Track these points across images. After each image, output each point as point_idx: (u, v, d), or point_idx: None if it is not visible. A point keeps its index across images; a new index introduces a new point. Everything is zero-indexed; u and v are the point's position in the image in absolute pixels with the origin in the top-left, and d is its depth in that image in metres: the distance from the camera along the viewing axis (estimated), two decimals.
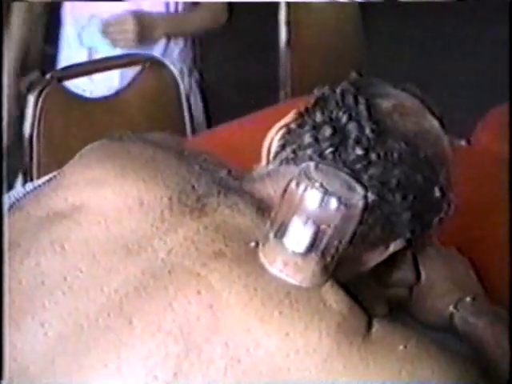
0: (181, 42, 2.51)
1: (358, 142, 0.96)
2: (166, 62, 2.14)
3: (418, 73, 3.22)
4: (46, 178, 1.38)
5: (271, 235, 0.91)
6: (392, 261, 1.05)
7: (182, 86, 2.16)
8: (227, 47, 3.97)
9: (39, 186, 1.26)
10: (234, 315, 0.88)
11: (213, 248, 0.93)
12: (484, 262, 1.27)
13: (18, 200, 1.21)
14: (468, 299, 1.18)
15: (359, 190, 0.91)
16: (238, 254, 0.93)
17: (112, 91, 2.18)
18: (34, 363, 0.91)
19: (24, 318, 0.93)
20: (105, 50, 2.35)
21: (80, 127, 1.96)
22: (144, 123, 2.05)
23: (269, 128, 1.06)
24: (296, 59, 2.63)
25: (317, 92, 1.03)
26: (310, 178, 0.90)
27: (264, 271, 0.91)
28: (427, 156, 0.98)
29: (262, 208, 0.98)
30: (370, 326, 0.90)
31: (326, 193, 0.88)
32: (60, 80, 1.96)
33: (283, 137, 1.03)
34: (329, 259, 0.90)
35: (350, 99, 0.99)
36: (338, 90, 1.01)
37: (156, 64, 2.12)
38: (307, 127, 1.00)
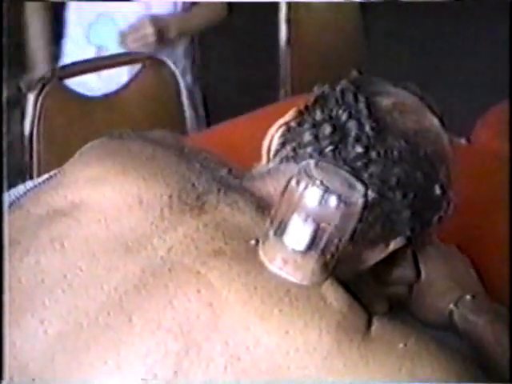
0: (186, 40, 2.52)
1: (357, 139, 0.96)
2: (166, 60, 2.14)
3: (418, 71, 3.22)
4: (46, 176, 1.38)
5: (271, 233, 0.91)
6: (392, 259, 1.05)
7: (181, 84, 2.17)
8: (227, 46, 3.97)
9: (39, 184, 1.26)
10: (233, 313, 0.88)
11: (212, 246, 0.93)
12: (484, 260, 1.27)
13: (17, 198, 1.21)
14: (468, 297, 1.18)
15: (359, 187, 0.91)
16: (237, 252, 0.93)
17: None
18: (34, 361, 0.91)
19: (24, 316, 0.93)
20: (114, 48, 2.35)
21: (80, 125, 1.96)
22: (144, 121, 2.05)
23: (269, 126, 1.06)
24: (296, 58, 2.63)
25: (317, 90, 1.03)
26: (310, 176, 0.90)
27: (264, 269, 0.91)
28: (427, 154, 0.98)
29: (262, 206, 0.98)
30: (369, 323, 0.90)
31: (326, 191, 0.88)
32: (60, 78, 1.96)
33: (283, 135, 1.03)
34: (328, 257, 0.90)
35: (349, 97, 0.99)
36: (337, 88, 1.01)
37: (156, 62, 2.12)
38: (307, 125, 1.00)
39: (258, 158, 1.06)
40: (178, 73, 2.16)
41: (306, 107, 1.02)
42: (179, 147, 1.08)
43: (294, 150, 1.00)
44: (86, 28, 2.41)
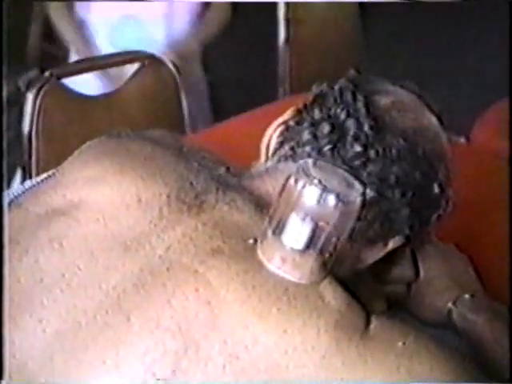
0: None
1: (356, 138, 0.96)
2: (165, 59, 2.14)
3: (417, 70, 3.22)
4: (45, 175, 1.38)
5: (269, 232, 0.91)
6: (391, 257, 1.05)
7: (180, 84, 2.17)
8: (226, 45, 3.97)
9: (38, 183, 1.26)
10: (232, 312, 0.88)
11: (211, 245, 0.93)
12: (482, 259, 1.27)
13: (16, 197, 1.21)
14: (467, 296, 1.18)
15: (358, 186, 0.91)
16: (236, 250, 0.93)
17: None
18: (33, 360, 0.91)
19: (22, 315, 0.93)
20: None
21: (79, 125, 1.96)
22: (143, 121, 2.05)
23: (267, 125, 1.06)
24: (295, 57, 2.63)
25: (315, 89, 1.03)
26: (308, 175, 0.90)
27: (262, 268, 0.91)
28: (426, 152, 0.98)
29: (261, 205, 0.98)
30: (368, 322, 0.90)
31: (325, 190, 0.88)
32: (59, 77, 1.96)
33: (282, 134, 1.03)
34: (327, 256, 0.90)
35: (348, 96, 0.99)
36: (336, 87, 1.01)
37: (155, 61, 2.12)
38: (306, 124, 1.00)
39: (257, 156, 1.06)
40: (176, 72, 2.15)
41: (305, 106, 1.02)
42: (178, 146, 1.08)
43: (292, 148, 1.00)
44: (109, 30, 2.40)
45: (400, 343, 0.89)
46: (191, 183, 1.00)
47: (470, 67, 3.98)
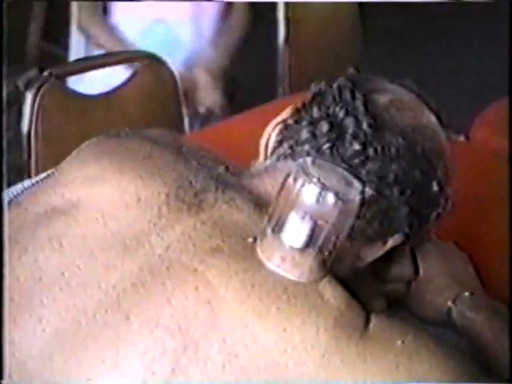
0: None
1: (355, 137, 0.96)
2: (164, 58, 2.14)
3: (417, 69, 3.22)
4: (44, 174, 1.38)
5: (269, 231, 0.91)
6: (390, 256, 1.05)
7: (179, 83, 2.17)
8: None
9: (37, 182, 1.26)
10: (231, 311, 0.88)
11: (210, 244, 0.93)
12: (482, 258, 1.27)
13: (15, 196, 1.21)
14: (466, 294, 1.18)
15: (356, 185, 0.91)
16: (235, 249, 0.93)
17: None
18: (32, 359, 0.92)
19: (22, 315, 0.93)
20: (167, 54, 2.36)
21: (78, 124, 1.96)
22: (142, 120, 2.04)
23: (267, 124, 1.06)
24: (294, 56, 2.63)
25: (314, 88, 1.03)
26: (307, 174, 0.90)
27: (261, 267, 0.91)
28: (425, 151, 0.98)
29: (260, 204, 0.98)
30: (367, 321, 0.90)
31: (324, 188, 0.88)
32: (58, 77, 1.96)
33: (281, 132, 1.03)
34: (326, 254, 0.90)
35: (347, 94, 0.99)
36: (334, 86, 1.01)
37: (154, 61, 2.12)
38: (304, 123, 1.00)
39: (257, 155, 1.06)
40: (175, 71, 2.15)
41: (304, 105, 1.02)
42: (177, 146, 1.08)
43: (291, 147, 1.00)
44: (138, 34, 2.39)
45: (399, 342, 0.89)
46: (190, 182, 1.00)
47: (469, 66, 3.98)
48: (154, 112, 2.09)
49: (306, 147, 0.98)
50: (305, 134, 0.99)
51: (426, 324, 1.16)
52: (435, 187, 0.99)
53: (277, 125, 1.04)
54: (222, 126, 1.95)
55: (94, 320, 0.91)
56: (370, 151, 0.95)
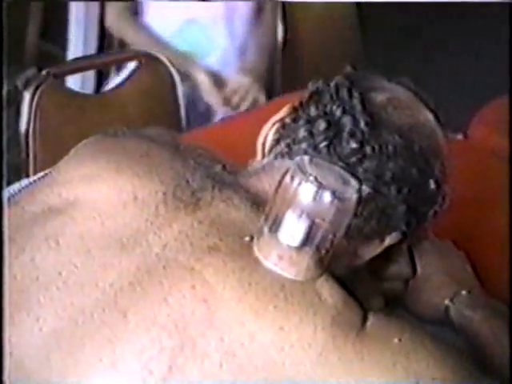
0: None
1: (352, 135, 0.96)
2: (162, 57, 2.14)
3: (415, 68, 3.22)
4: (42, 173, 1.37)
5: (266, 229, 0.91)
6: (387, 254, 1.05)
7: (178, 82, 2.16)
8: None
9: (34, 181, 1.26)
10: (228, 309, 0.88)
11: (207, 242, 0.93)
12: (479, 256, 1.27)
13: (13, 195, 1.21)
14: (464, 292, 1.18)
15: (353, 183, 0.91)
16: (232, 248, 0.93)
17: None
18: (29, 358, 0.91)
19: (19, 314, 0.93)
20: (201, 54, 2.37)
21: (76, 123, 1.96)
22: (140, 119, 2.04)
23: (264, 123, 1.05)
24: (292, 55, 2.63)
25: (311, 86, 1.03)
26: (304, 172, 0.89)
27: (259, 265, 0.91)
28: (422, 149, 0.98)
29: (257, 202, 0.98)
30: (364, 319, 0.90)
31: (320, 186, 0.88)
32: (56, 76, 1.96)
33: (278, 131, 1.03)
34: (323, 253, 0.90)
35: (344, 93, 0.99)
36: (332, 84, 1.01)
37: (152, 60, 2.12)
38: (301, 121, 1.00)
39: (254, 154, 1.06)
40: (174, 70, 2.15)
41: (301, 103, 1.02)
42: (174, 144, 1.08)
43: (288, 146, 1.00)
44: (172, 34, 2.39)
45: (396, 340, 0.89)
46: (187, 181, 1.00)
47: (468, 65, 3.97)
48: (152, 111, 2.09)
49: (303, 146, 0.98)
50: (302, 133, 0.99)
51: (424, 322, 1.16)
52: (432, 185, 0.99)
53: (274, 123, 1.04)
54: (220, 124, 1.95)
55: (91, 319, 0.91)
56: (367, 149, 0.95)
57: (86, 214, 0.98)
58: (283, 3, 2.59)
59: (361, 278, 1.04)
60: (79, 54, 2.81)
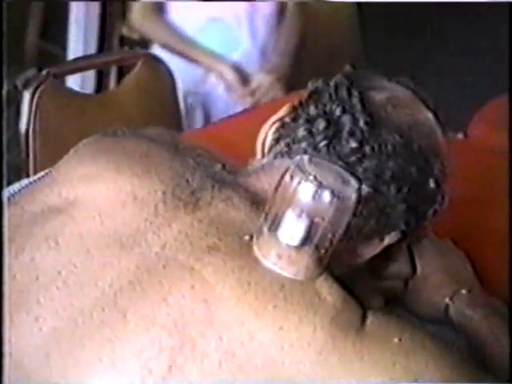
0: None
1: (351, 134, 0.96)
2: (162, 57, 2.14)
3: (415, 67, 3.22)
4: (42, 173, 1.38)
5: (265, 228, 0.91)
6: (387, 253, 1.05)
7: (177, 82, 2.17)
8: None
9: (34, 181, 1.26)
10: (228, 309, 0.88)
11: (207, 242, 0.93)
12: (479, 255, 1.27)
13: (12, 195, 1.21)
14: (464, 291, 1.18)
15: (353, 182, 0.91)
16: (232, 247, 0.93)
17: None
18: (29, 358, 0.91)
19: (18, 314, 0.93)
20: (224, 53, 2.39)
21: (76, 123, 1.96)
22: (140, 118, 2.04)
23: (264, 122, 1.05)
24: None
25: (311, 86, 1.03)
26: (303, 171, 0.89)
27: (258, 264, 0.91)
28: (421, 148, 0.98)
29: (257, 202, 0.98)
30: (364, 318, 0.90)
31: (320, 186, 0.88)
32: (56, 76, 1.96)
33: (277, 130, 1.03)
34: (323, 252, 0.90)
35: (343, 92, 0.99)
36: (331, 83, 1.01)
37: (152, 60, 2.12)
38: (301, 120, 1.00)
39: (253, 154, 1.06)
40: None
41: (300, 103, 1.02)
42: (174, 144, 1.08)
43: (288, 145, 1.00)
44: (195, 32, 2.39)
45: (396, 339, 0.89)
46: (187, 180, 1.00)
47: (468, 64, 3.97)
48: (151, 110, 2.09)
49: (303, 145, 0.98)
50: (301, 132, 0.99)
51: (424, 321, 1.16)
52: (432, 184, 0.99)
53: (274, 123, 1.04)
54: (220, 124, 1.95)
55: (91, 318, 0.91)
56: (367, 149, 0.95)
57: (85, 213, 0.98)
58: None
59: (360, 277, 1.04)
60: (79, 54, 2.82)
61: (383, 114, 0.98)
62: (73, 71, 2.11)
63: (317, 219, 0.89)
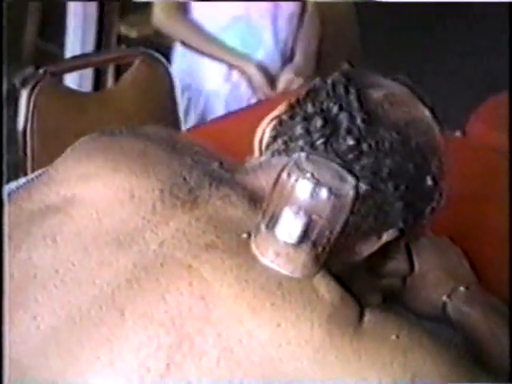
0: None
1: (349, 132, 0.96)
2: (159, 56, 2.14)
3: (413, 65, 3.22)
4: (39, 171, 1.37)
5: (263, 226, 0.91)
6: (385, 251, 1.05)
7: (175, 80, 2.17)
8: None
9: (31, 179, 1.25)
10: (225, 307, 0.88)
11: (204, 240, 0.93)
12: (477, 253, 1.27)
13: (10, 194, 1.20)
14: (461, 289, 1.19)
15: (350, 180, 0.91)
16: (229, 245, 0.93)
17: None
18: (27, 356, 0.91)
19: (16, 312, 0.93)
20: (249, 52, 2.40)
21: (74, 121, 1.96)
22: (137, 117, 2.04)
23: (261, 120, 1.05)
24: None
25: (308, 83, 1.03)
26: (301, 169, 0.89)
27: (256, 262, 0.91)
28: (419, 145, 0.98)
29: (254, 199, 0.98)
30: (362, 316, 0.90)
31: (317, 183, 0.88)
32: (53, 74, 1.96)
33: (275, 128, 1.03)
34: (320, 249, 0.90)
35: (340, 90, 0.99)
36: (328, 81, 1.01)
37: (149, 58, 2.12)
38: (298, 118, 1.00)
39: (251, 152, 1.06)
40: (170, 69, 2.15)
41: (298, 100, 1.02)
42: (171, 142, 1.08)
43: (285, 143, 1.00)
44: (219, 31, 2.39)
45: (393, 336, 0.89)
46: (184, 178, 1.00)
47: (466, 62, 3.98)
48: (149, 109, 2.09)
49: (300, 143, 0.98)
50: (299, 130, 0.99)
51: (422, 319, 1.16)
52: (429, 182, 0.99)
53: (271, 121, 1.04)
54: (218, 122, 1.95)
55: (89, 316, 0.91)
56: (364, 146, 0.95)
57: (83, 212, 0.98)
58: None
59: (358, 275, 1.04)
60: (77, 53, 2.81)
61: (380, 112, 0.98)
62: (70, 69, 2.11)
63: (314, 217, 0.89)
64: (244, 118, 1.80)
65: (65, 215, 0.98)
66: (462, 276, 1.21)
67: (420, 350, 0.90)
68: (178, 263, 0.91)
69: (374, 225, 0.98)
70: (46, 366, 0.91)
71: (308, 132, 0.98)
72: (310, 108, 0.99)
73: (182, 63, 2.45)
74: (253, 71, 2.37)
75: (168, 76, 2.14)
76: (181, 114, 2.20)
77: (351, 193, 0.90)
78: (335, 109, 0.98)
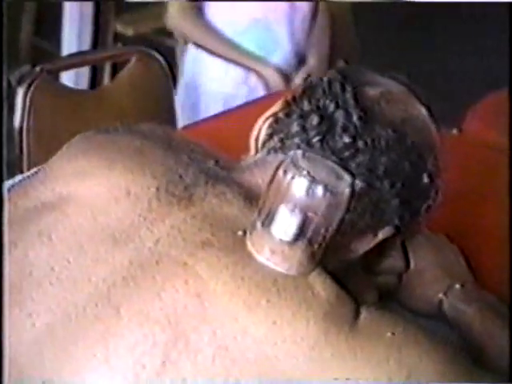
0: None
1: (345, 129, 0.96)
2: (156, 53, 2.14)
3: (410, 63, 3.22)
4: (35, 169, 1.37)
5: (258, 224, 0.91)
6: (381, 248, 1.05)
7: (171, 78, 2.17)
8: None
9: (27, 177, 1.26)
10: (221, 304, 0.88)
11: (200, 237, 0.93)
12: (474, 251, 1.27)
13: (6, 191, 1.20)
14: (457, 286, 1.19)
15: (346, 177, 0.91)
16: (225, 243, 0.93)
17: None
18: (22, 354, 0.91)
19: (12, 310, 0.93)
20: (267, 55, 2.41)
21: (70, 119, 1.95)
22: (134, 115, 2.04)
23: (257, 118, 1.05)
24: None
25: (304, 81, 1.03)
26: (297, 167, 0.90)
27: (251, 260, 0.91)
28: (415, 143, 0.98)
29: (250, 197, 0.98)
30: (357, 313, 0.90)
31: (313, 181, 0.88)
32: (49, 72, 1.96)
33: (271, 126, 1.02)
34: (316, 247, 0.90)
35: (336, 87, 0.99)
36: (325, 79, 1.01)
37: (145, 56, 2.12)
38: (294, 116, 0.99)
39: (247, 149, 1.06)
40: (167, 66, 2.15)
41: (294, 98, 1.01)
42: (167, 140, 1.08)
43: (281, 140, 1.00)
44: (236, 34, 2.39)
45: (389, 334, 0.89)
46: (180, 176, 1.00)
47: (463, 60, 3.98)
48: (145, 106, 2.09)
49: (296, 140, 0.98)
50: (295, 127, 0.99)
51: (418, 316, 1.16)
52: (426, 179, 0.99)
53: (267, 118, 1.04)
54: (214, 120, 1.95)
55: (84, 314, 0.91)
56: (360, 144, 0.95)
57: (78, 209, 0.98)
58: None
59: (354, 273, 1.04)
60: (73, 51, 2.81)
61: (376, 109, 0.98)
62: (67, 67, 2.11)
63: (310, 214, 0.89)
64: (240, 115, 1.80)
65: (60, 213, 0.98)
66: (458, 273, 1.21)
67: (415, 347, 0.90)
68: (173, 261, 0.91)
69: (369, 222, 0.98)
70: (42, 364, 0.91)
71: (304, 129, 0.98)
72: (306, 105, 0.99)
73: (196, 66, 2.45)
74: (270, 75, 2.36)
75: (164, 74, 2.14)
76: (196, 118, 2.20)
77: (347, 190, 0.90)
78: (331, 106, 0.97)
